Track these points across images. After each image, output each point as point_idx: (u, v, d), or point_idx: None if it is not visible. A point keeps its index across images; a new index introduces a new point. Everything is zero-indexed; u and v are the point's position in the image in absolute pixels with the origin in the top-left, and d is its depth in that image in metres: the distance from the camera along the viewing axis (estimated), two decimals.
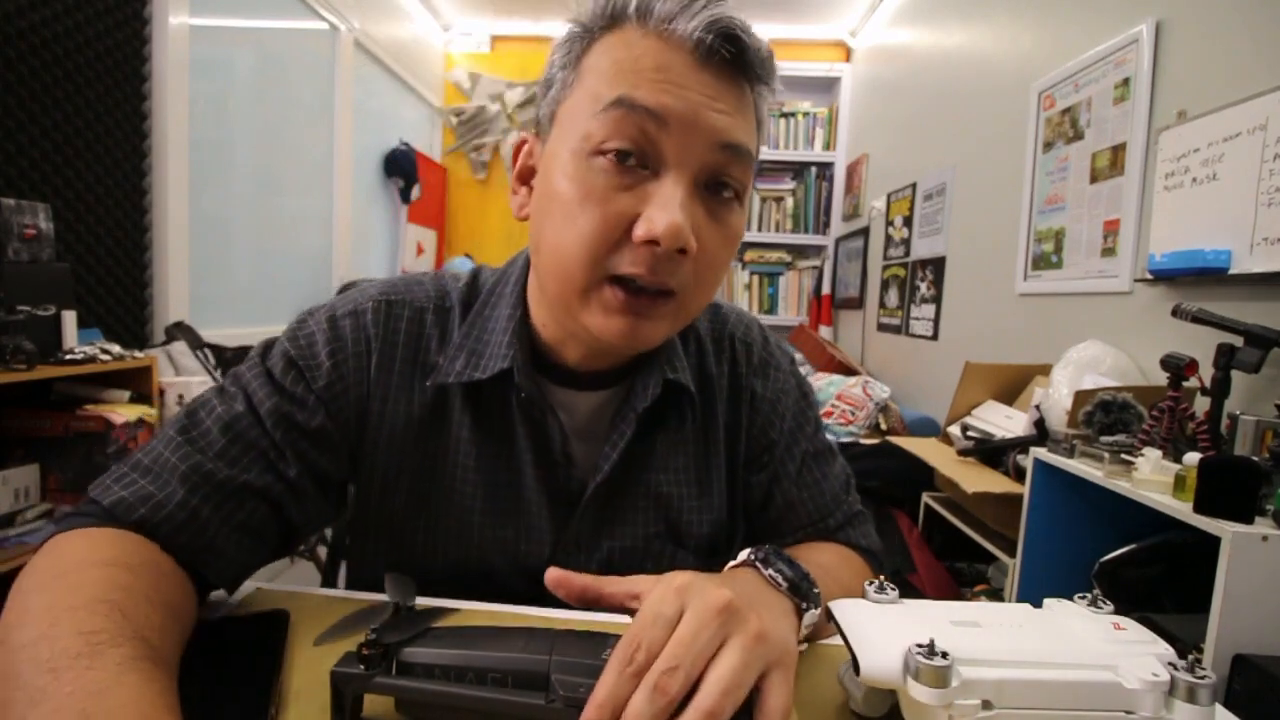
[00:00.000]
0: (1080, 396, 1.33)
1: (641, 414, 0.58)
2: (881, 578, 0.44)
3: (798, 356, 2.75)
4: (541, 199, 0.52)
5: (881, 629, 0.38)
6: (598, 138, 0.48)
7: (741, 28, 0.48)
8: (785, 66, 4.36)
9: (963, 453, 1.73)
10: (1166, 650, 0.36)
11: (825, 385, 2.80)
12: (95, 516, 0.48)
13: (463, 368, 0.57)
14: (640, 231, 0.47)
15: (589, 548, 0.60)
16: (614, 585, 0.42)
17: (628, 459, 0.59)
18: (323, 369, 0.56)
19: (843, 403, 2.66)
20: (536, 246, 0.53)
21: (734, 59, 0.48)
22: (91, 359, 1.54)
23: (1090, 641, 0.37)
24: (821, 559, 0.60)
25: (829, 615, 0.42)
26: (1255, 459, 0.93)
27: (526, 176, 0.56)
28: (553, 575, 0.43)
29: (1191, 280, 1.38)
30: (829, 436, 0.71)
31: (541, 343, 0.59)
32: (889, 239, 3.22)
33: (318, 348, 0.56)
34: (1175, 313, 1.23)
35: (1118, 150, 1.64)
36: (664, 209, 0.46)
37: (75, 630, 0.35)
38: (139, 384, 1.67)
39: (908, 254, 2.97)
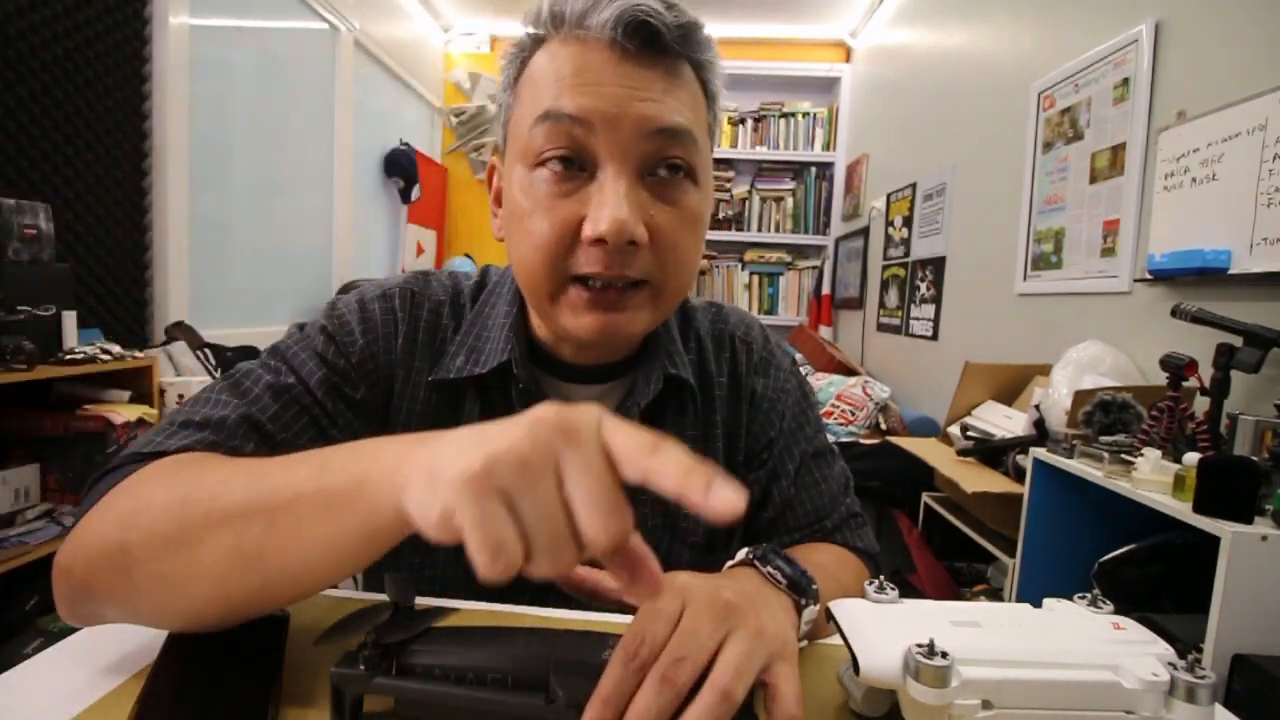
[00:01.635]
0: (1080, 396, 1.33)
1: (644, 409, 0.59)
2: (881, 578, 0.44)
3: (798, 357, 2.75)
4: (506, 215, 0.55)
5: (881, 629, 0.38)
6: (535, 151, 0.50)
7: (650, 11, 0.48)
8: (785, 67, 4.38)
9: (962, 453, 1.73)
10: (1166, 650, 0.36)
11: (825, 385, 2.80)
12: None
13: (464, 364, 0.59)
14: (587, 231, 0.48)
15: None
16: (613, 580, 0.42)
17: None
18: (357, 345, 0.58)
19: (843, 403, 2.66)
20: (512, 261, 0.56)
21: (651, 43, 0.49)
22: (91, 359, 1.54)
23: (1090, 641, 0.37)
24: (819, 558, 0.60)
25: (828, 615, 0.42)
26: (1255, 459, 0.93)
27: (499, 197, 0.58)
28: None
29: (1191, 280, 1.38)
30: (829, 437, 0.71)
31: (539, 340, 0.61)
32: (889, 239, 3.22)
33: (351, 325, 0.59)
34: (1175, 313, 1.23)
35: (1117, 150, 1.64)
36: (605, 206, 0.48)
37: (236, 469, 0.40)
38: (139, 384, 1.68)
39: (907, 254, 2.97)
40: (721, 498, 0.27)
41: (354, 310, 0.60)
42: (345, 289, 0.69)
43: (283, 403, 0.53)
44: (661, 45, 0.49)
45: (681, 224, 0.52)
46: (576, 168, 0.50)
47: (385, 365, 0.59)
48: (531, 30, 0.52)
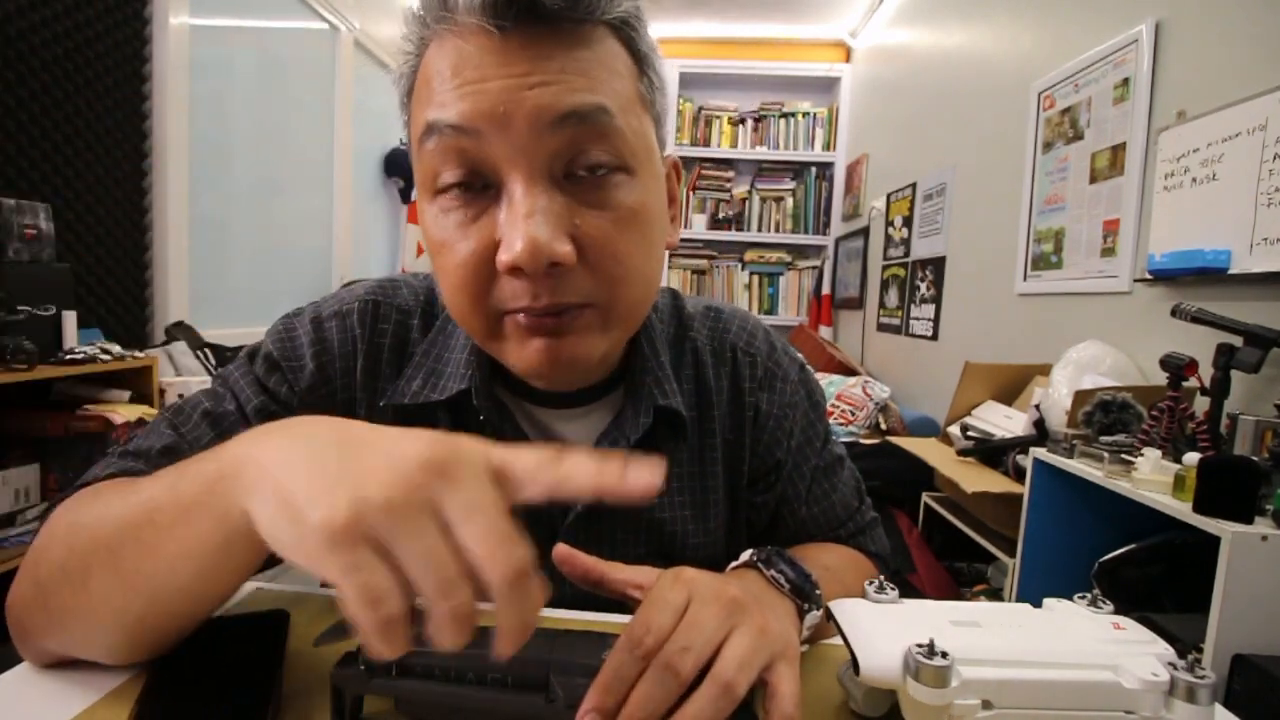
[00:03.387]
0: (1080, 396, 1.33)
1: (635, 443, 0.53)
2: (881, 578, 0.44)
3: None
4: (428, 252, 0.48)
5: (881, 629, 0.38)
6: (428, 179, 0.43)
7: None
8: (785, 66, 4.37)
9: (962, 453, 1.73)
10: (1166, 650, 0.36)
11: (825, 385, 2.80)
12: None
13: (420, 388, 0.53)
14: (501, 262, 0.41)
15: None
16: (618, 571, 0.42)
17: None
18: (306, 371, 0.54)
19: (843, 403, 2.66)
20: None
21: (531, 14, 0.39)
22: (92, 359, 1.54)
23: (1090, 641, 0.37)
24: (826, 560, 0.59)
25: (829, 615, 0.42)
26: (1255, 459, 0.93)
27: None
28: (560, 551, 0.42)
29: (1191, 280, 1.38)
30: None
31: None
32: (889, 239, 3.22)
33: (302, 349, 0.54)
34: (1175, 313, 1.23)
35: (1117, 150, 1.64)
36: (514, 226, 0.40)
37: (136, 486, 0.38)
38: (139, 384, 1.68)
39: (908, 254, 2.97)
40: (637, 477, 0.27)
41: (308, 331, 0.55)
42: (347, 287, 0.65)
43: (218, 431, 0.51)
44: (546, 14, 0.39)
45: (618, 228, 0.43)
46: (479, 187, 0.42)
47: (343, 389, 0.54)
48: (413, 42, 0.44)
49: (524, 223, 0.40)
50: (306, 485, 0.27)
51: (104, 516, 0.38)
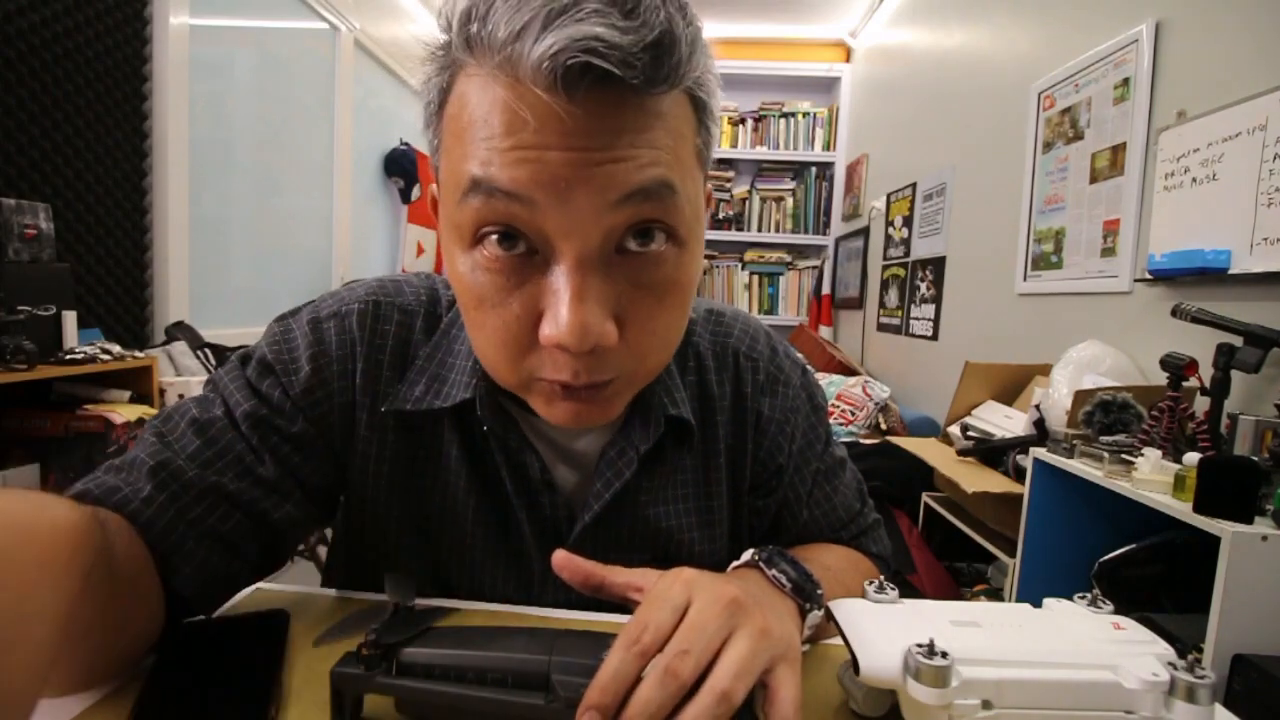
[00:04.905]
0: (1080, 396, 1.33)
1: (644, 455, 0.53)
2: (881, 578, 0.44)
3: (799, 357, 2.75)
4: (454, 290, 0.44)
5: (881, 629, 0.38)
6: (466, 231, 0.40)
7: (599, 46, 0.33)
8: (785, 66, 4.37)
9: (962, 453, 1.73)
10: (1166, 650, 0.36)
11: (825, 385, 2.80)
12: None
13: (423, 394, 0.52)
14: (544, 336, 0.39)
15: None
16: (618, 575, 0.42)
17: (621, 494, 0.54)
18: (301, 374, 0.52)
19: (843, 403, 2.67)
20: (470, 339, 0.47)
21: (608, 77, 0.34)
22: (92, 359, 1.54)
23: (1090, 641, 0.37)
24: (828, 560, 0.59)
25: (829, 615, 0.42)
26: (1255, 459, 0.93)
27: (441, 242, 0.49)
28: (559, 557, 0.42)
29: (1191, 280, 1.38)
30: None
31: None
32: (889, 239, 3.22)
33: (298, 352, 0.52)
34: (1175, 313, 1.23)
35: (1117, 150, 1.64)
36: (563, 306, 0.38)
37: None
38: (139, 384, 1.68)
39: (908, 254, 2.97)
40: None
41: (305, 333, 0.53)
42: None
43: (205, 439, 0.49)
44: (623, 84, 0.35)
45: (661, 304, 0.42)
46: (524, 250, 0.39)
47: (341, 393, 0.53)
48: (455, 42, 0.39)
49: (574, 306, 0.37)
50: None
51: None
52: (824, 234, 4.20)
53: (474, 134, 0.38)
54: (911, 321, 2.90)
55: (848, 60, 4.13)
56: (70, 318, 1.58)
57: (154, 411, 1.66)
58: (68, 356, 1.51)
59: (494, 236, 0.39)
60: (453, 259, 0.42)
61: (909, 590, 1.73)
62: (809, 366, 0.67)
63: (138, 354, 1.67)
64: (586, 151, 0.36)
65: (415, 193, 3.83)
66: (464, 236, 0.40)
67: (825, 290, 4.06)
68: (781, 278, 4.31)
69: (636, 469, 0.54)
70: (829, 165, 4.18)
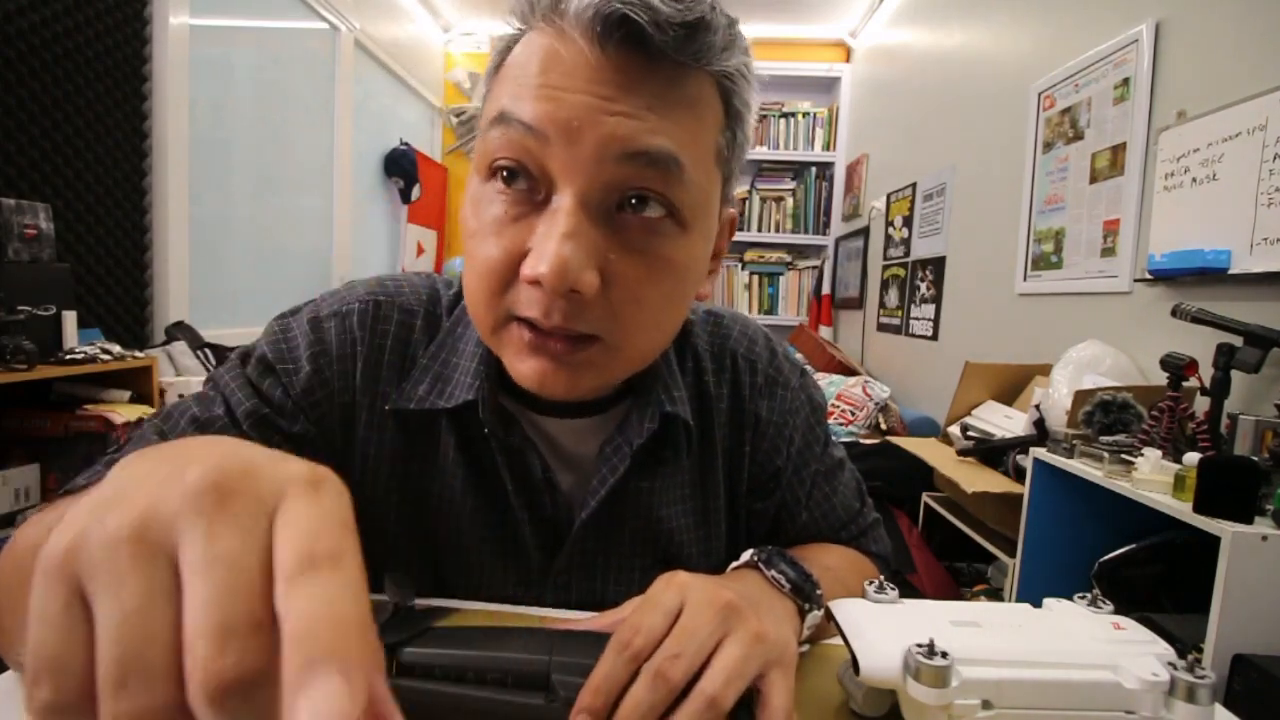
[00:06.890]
0: (1080, 396, 1.33)
1: (637, 450, 0.53)
2: (881, 578, 0.44)
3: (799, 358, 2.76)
4: (462, 227, 0.47)
5: (881, 629, 0.38)
6: (485, 160, 0.42)
7: (650, 4, 0.37)
8: (785, 66, 4.36)
9: (962, 453, 1.73)
10: (1166, 650, 0.36)
11: (825, 385, 2.80)
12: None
13: (426, 393, 0.52)
14: (525, 270, 0.40)
15: (581, 579, 0.56)
16: (606, 618, 0.41)
17: (619, 493, 0.54)
18: (302, 373, 0.52)
19: (843, 403, 2.66)
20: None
21: (637, 44, 0.38)
22: (92, 359, 1.54)
23: (1090, 641, 0.37)
24: (828, 560, 0.59)
25: (829, 615, 0.42)
26: (1255, 459, 0.93)
27: None
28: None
29: (1191, 280, 1.38)
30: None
31: None
32: (889, 239, 3.22)
33: (299, 351, 0.52)
34: (1175, 313, 1.23)
35: (1117, 150, 1.64)
36: (549, 240, 0.39)
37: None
38: (139, 384, 1.68)
39: (908, 254, 2.97)
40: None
41: (305, 331, 0.53)
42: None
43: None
44: (653, 49, 0.38)
45: (651, 276, 0.42)
46: (530, 188, 0.41)
47: (341, 392, 0.53)
48: (519, 13, 0.43)
49: (559, 242, 0.38)
50: (85, 510, 0.19)
51: (15, 549, 0.36)
52: (824, 234, 4.20)
53: (512, 75, 0.41)
54: (911, 321, 2.90)
55: (848, 60, 4.13)
56: (70, 318, 1.58)
57: (154, 411, 1.66)
58: (68, 356, 1.51)
59: (504, 171, 0.41)
60: (470, 192, 0.45)
61: (909, 590, 1.73)
62: (808, 368, 0.67)
63: (138, 354, 1.67)
64: (604, 100, 0.38)
65: (415, 193, 3.83)
66: (480, 167, 0.43)
67: (825, 290, 4.06)
68: (781, 278, 4.31)
69: (635, 468, 0.53)
70: (829, 165, 4.18)
